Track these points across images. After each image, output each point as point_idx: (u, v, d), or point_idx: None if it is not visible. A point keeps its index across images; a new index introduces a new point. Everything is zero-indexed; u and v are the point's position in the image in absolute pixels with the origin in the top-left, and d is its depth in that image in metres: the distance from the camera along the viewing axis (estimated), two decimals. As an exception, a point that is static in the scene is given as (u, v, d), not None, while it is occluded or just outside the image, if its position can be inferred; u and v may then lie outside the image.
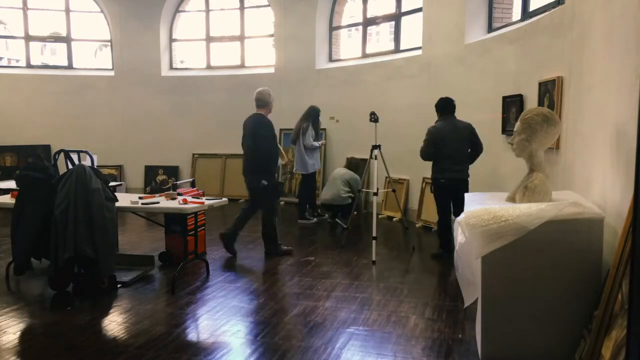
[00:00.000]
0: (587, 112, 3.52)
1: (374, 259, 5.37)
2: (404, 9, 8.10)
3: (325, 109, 8.96)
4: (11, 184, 5.64)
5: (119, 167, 10.04)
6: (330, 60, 9.28)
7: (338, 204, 7.35)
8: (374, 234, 5.46)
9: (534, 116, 3.14)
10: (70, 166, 4.97)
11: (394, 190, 6.28)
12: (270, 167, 5.80)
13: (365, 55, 8.77)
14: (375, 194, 5.54)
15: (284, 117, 9.38)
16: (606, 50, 3.11)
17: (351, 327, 3.67)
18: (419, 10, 7.51)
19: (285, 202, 9.25)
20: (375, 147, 5.73)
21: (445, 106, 5.45)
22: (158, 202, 4.80)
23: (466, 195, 3.65)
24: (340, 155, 8.85)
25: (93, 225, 4.20)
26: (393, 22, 8.32)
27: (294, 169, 7.94)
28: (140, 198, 4.89)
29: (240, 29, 9.97)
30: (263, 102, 5.89)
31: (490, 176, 5.83)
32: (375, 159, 5.73)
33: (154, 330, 3.66)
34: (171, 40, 10.22)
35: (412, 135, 6.63)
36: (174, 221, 5.32)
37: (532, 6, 5.56)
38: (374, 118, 5.68)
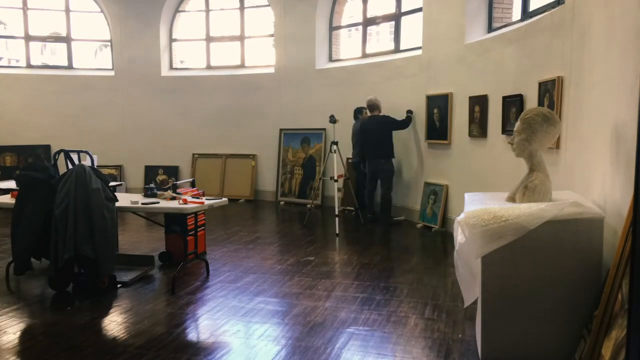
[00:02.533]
0: (587, 112, 3.52)
1: (337, 232, 6.67)
2: (404, 9, 8.09)
3: (325, 109, 8.98)
4: (11, 184, 5.64)
5: (119, 167, 10.04)
6: (330, 60, 9.27)
7: None
8: (336, 212, 6.86)
9: (534, 116, 3.14)
10: (70, 166, 4.97)
11: (347, 178, 7.62)
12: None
13: (365, 55, 8.77)
14: (336, 180, 7.10)
15: (284, 117, 9.42)
16: (606, 50, 3.11)
17: (351, 327, 3.67)
18: (419, 10, 7.51)
19: (285, 202, 9.25)
20: (334, 142, 7.24)
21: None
22: (158, 202, 4.81)
23: (466, 195, 3.65)
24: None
25: (93, 225, 4.20)
26: (393, 22, 8.32)
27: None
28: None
29: (240, 29, 9.97)
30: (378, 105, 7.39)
31: (490, 176, 5.83)
32: (334, 152, 7.19)
33: (154, 330, 3.66)
34: (171, 40, 10.22)
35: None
36: (174, 221, 5.32)
37: (532, 6, 5.56)
38: (332, 120, 7.25)
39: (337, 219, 6.79)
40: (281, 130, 9.43)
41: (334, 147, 7.20)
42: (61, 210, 4.16)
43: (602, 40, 3.22)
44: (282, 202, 9.26)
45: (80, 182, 4.25)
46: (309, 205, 8.00)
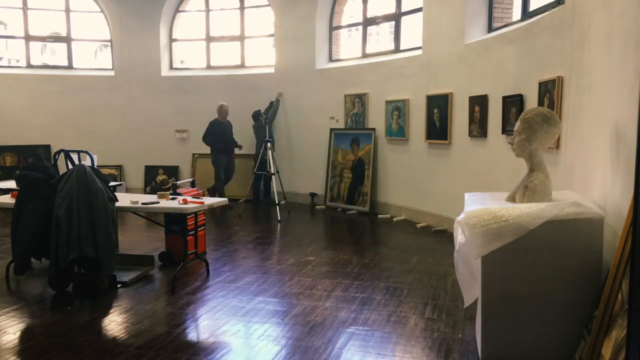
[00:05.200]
0: (587, 112, 3.52)
1: (279, 218, 7.61)
2: (404, 9, 8.09)
3: (325, 108, 9.00)
4: (11, 184, 5.64)
5: (119, 167, 10.04)
6: (330, 60, 9.27)
7: None
8: (277, 202, 7.88)
9: (534, 116, 3.14)
10: (70, 166, 4.97)
11: (277, 172, 8.25)
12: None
13: (365, 55, 8.77)
14: (273, 174, 8.11)
15: (285, 117, 9.43)
16: (606, 50, 3.11)
17: (351, 327, 3.67)
18: (419, 10, 7.51)
19: (286, 201, 9.24)
20: (267, 141, 8.21)
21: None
22: (158, 202, 4.81)
23: (466, 195, 3.65)
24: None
25: (94, 225, 4.19)
26: (393, 22, 8.31)
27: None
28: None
29: (240, 29, 9.97)
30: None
31: (490, 176, 5.83)
32: (269, 149, 8.16)
33: (154, 330, 3.66)
34: (171, 40, 10.22)
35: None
36: (174, 221, 5.32)
37: (532, 6, 5.56)
38: (266, 121, 8.53)
39: (277, 207, 7.81)
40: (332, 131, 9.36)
41: (269, 144, 8.20)
42: (63, 210, 4.15)
43: (602, 41, 3.22)
44: (282, 202, 9.25)
45: (82, 182, 4.24)
46: (240, 200, 8.65)
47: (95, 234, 4.19)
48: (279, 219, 7.64)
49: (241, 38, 9.98)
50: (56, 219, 4.16)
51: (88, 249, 4.13)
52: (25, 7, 10.06)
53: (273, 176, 8.14)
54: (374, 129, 8.26)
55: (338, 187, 8.82)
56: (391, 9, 8.34)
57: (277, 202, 7.90)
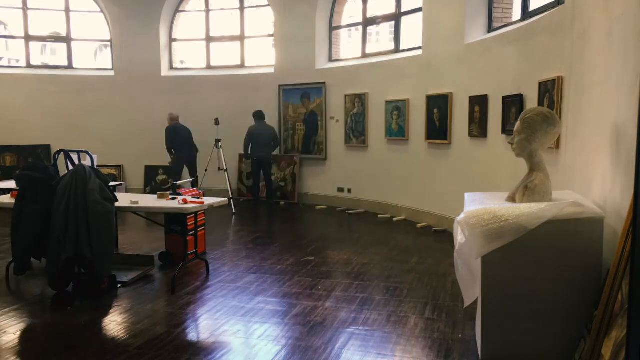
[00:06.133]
0: (587, 112, 3.52)
1: (234, 211, 8.26)
2: (404, 9, 8.09)
3: (325, 108, 9.00)
4: (11, 184, 5.64)
5: (119, 167, 10.04)
6: (330, 60, 9.27)
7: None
8: (230, 195, 8.29)
9: (534, 116, 3.13)
10: (70, 166, 4.97)
11: (225, 170, 8.70)
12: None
13: (365, 55, 8.77)
14: (223, 170, 8.67)
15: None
16: (606, 50, 3.11)
17: (351, 327, 3.67)
18: (419, 10, 7.50)
19: (285, 202, 9.22)
20: (217, 140, 8.72)
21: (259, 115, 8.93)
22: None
23: (466, 195, 3.65)
24: (340, 152, 8.86)
25: (91, 225, 4.19)
26: (393, 22, 8.31)
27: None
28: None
29: (240, 29, 9.97)
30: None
31: (490, 176, 5.83)
32: (219, 148, 8.68)
33: (154, 330, 3.66)
34: (171, 40, 10.22)
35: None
36: (174, 221, 5.32)
37: (532, 6, 5.56)
38: (217, 123, 8.76)
39: (231, 200, 8.08)
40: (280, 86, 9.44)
41: (220, 143, 8.70)
42: (61, 210, 4.15)
43: (602, 41, 3.22)
44: (282, 202, 9.26)
45: (81, 183, 4.24)
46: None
47: (92, 234, 4.18)
48: (233, 211, 8.28)
49: (241, 38, 9.98)
50: (54, 219, 4.16)
51: (85, 249, 4.12)
52: (25, 7, 10.06)
53: (226, 172, 8.68)
54: (324, 83, 8.92)
55: (292, 140, 9.47)
56: (391, 9, 8.34)
57: (230, 195, 8.34)
